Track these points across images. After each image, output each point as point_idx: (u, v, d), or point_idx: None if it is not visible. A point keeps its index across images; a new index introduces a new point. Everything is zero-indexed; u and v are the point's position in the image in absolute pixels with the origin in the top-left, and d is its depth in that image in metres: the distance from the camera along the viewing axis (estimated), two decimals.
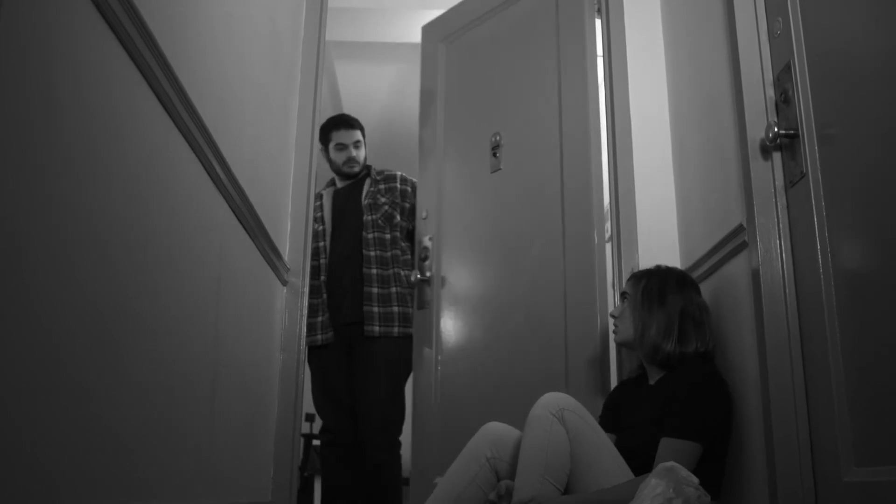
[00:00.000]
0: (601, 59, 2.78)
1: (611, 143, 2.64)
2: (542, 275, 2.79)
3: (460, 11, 3.48)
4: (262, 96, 2.23)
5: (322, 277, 3.26)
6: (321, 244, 3.30)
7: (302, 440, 4.82)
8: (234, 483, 1.96)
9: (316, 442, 5.86)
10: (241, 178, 1.86)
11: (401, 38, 4.37)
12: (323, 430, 3.23)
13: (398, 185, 3.43)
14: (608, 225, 2.69)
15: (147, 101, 1.31)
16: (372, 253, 3.22)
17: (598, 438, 1.89)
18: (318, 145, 2.87)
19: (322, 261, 3.28)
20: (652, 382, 2.08)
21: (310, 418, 5.36)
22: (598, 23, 2.82)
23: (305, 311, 2.67)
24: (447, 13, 3.55)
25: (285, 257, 2.58)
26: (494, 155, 3.11)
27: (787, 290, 1.75)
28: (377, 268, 3.21)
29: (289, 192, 2.67)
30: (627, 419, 2.06)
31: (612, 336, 2.25)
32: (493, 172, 3.08)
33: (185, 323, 1.53)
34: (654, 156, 2.60)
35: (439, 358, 3.06)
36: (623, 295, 2.18)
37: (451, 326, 3.07)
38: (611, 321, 2.24)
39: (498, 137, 3.10)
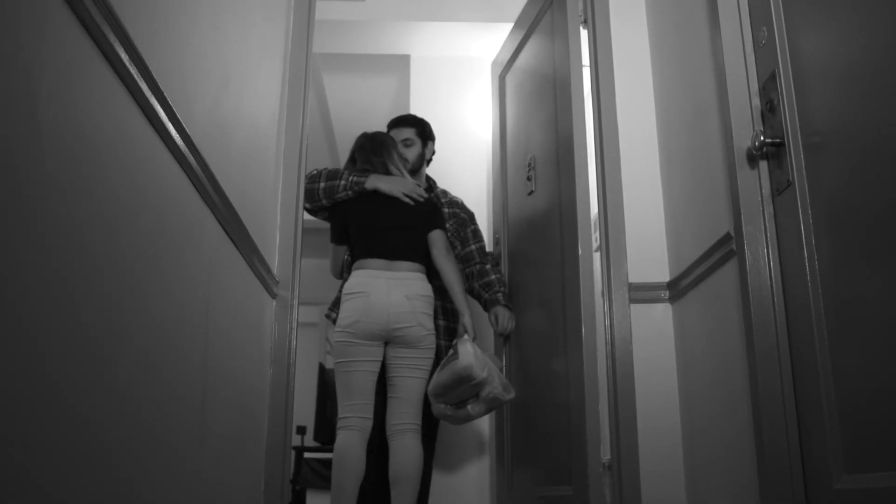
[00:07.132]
0: (588, 69, 2.77)
1: (598, 153, 2.63)
2: (547, 289, 2.90)
3: (506, 44, 3.65)
4: (250, 110, 2.22)
5: None
6: None
7: (293, 453, 4.79)
8: (224, 497, 1.95)
9: (308, 454, 5.82)
10: (228, 191, 1.86)
11: (390, 50, 4.36)
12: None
13: (460, 213, 3.34)
14: (597, 235, 2.69)
15: (132, 114, 1.31)
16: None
17: None
18: (306, 157, 2.85)
19: None
20: None
21: (301, 430, 5.32)
22: (584, 33, 2.80)
23: (296, 324, 2.66)
24: (503, 47, 3.69)
25: (274, 270, 2.57)
26: (528, 178, 3.17)
27: (775, 298, 1.76)
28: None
29: (277, 205, 2.66)
30: None
31: None
32: (528, 195, 3.17)
33: (173, 335, 1.52)
34: (641, 165, 2.60)
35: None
36: None
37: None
38: None
39: (532, 160, 3.16)
